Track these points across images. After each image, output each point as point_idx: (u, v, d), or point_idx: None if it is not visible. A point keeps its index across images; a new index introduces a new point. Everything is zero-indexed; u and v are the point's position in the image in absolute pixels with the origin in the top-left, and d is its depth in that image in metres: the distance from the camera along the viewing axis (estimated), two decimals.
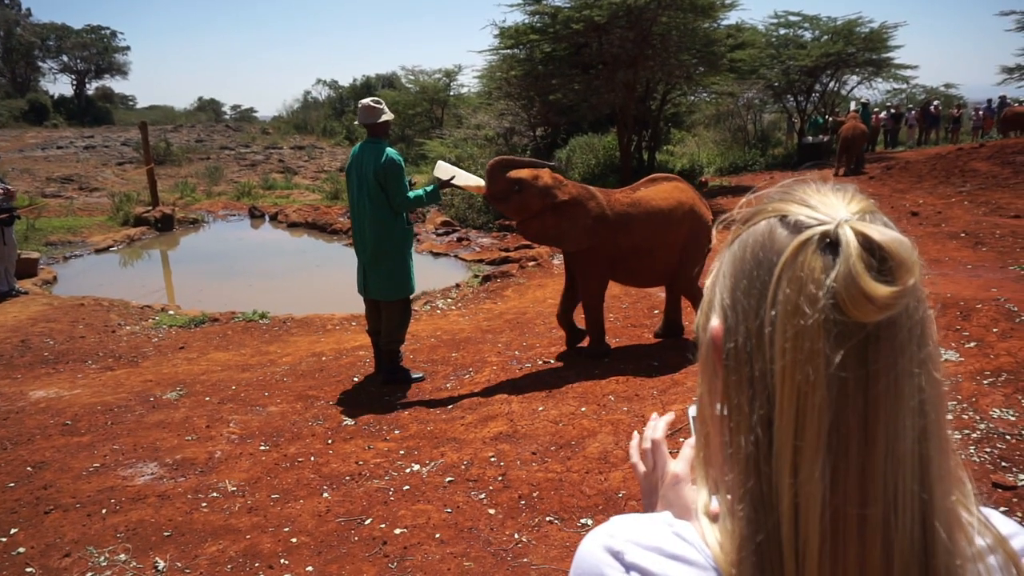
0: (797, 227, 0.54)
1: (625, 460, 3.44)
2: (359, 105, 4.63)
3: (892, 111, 22.38)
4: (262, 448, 3.84)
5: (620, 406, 4.10)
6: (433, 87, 24.75)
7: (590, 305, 4.91)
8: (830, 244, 0.52)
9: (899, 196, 11.61)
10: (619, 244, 4.76)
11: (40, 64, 48.57)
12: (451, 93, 25.27)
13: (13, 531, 3.03)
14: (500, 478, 3.36)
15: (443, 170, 4.74)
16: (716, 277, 0.59)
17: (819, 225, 0.53)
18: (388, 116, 4.65)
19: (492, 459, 3.56)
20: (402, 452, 3.73)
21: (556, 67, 12.88)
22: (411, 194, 4.54)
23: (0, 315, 6.84)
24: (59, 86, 77.41)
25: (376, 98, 4.64)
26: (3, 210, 7.53)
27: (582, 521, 2.97)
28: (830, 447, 0.50)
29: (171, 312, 7.10)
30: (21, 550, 2.89)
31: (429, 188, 4.64)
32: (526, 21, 12.92)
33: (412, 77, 26.13)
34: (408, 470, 3.52)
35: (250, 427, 4.12)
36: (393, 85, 32.67)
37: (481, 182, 4.63)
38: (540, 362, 5.03)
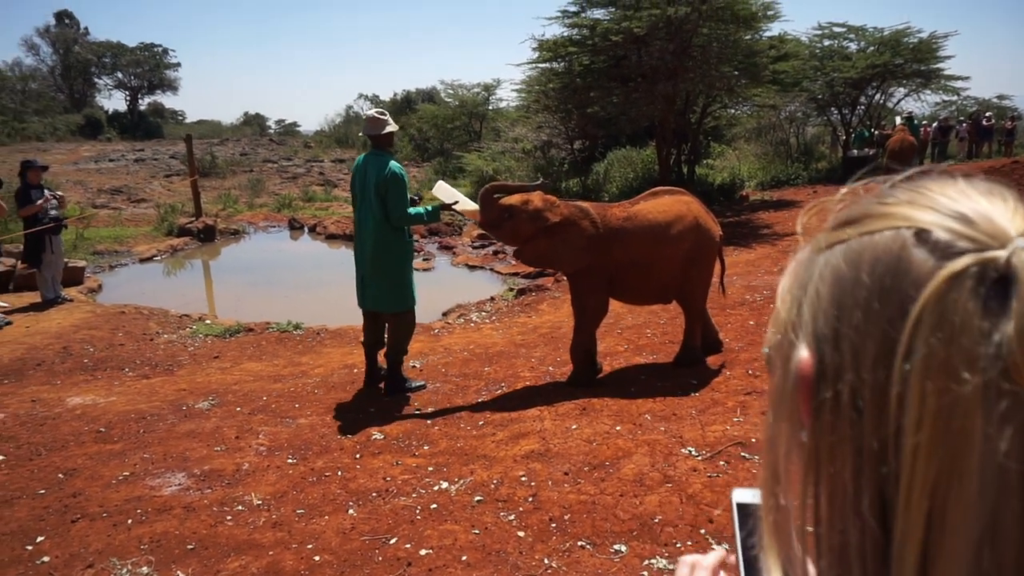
0: (944, 250, 0.38)
1: (662, 483, 3.29)
2: (364, 116, 4.63)
3: (941, 124, 21.70)
4: (289, 461, 3.79)
5: (657, 425, 3.95)
6: (472, 101, 24.89)
7: (581, 327, 4.66)
8: (998, 281, 0.37)
9: None
10: (616, 260, 4.55)
11: (96, 80, 50.51)
12: (490, 107, 25.37)
13: (40, 539, 3.02)
14: (531, 499, 3.24)
15: (443, 191, 4.74)
16: (804, 291, 0.44)
17: (978, 250, 0.38)
18: (392, 127, 4.64)
19: (523, 478, 3.44)
20: (431, 469, 3.63)
21: (595, 79, 12.78)
22: (411, 210, 4.51)
23: (45, 321, 6.98)
24: (113, 101, 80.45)
25: (381, 109, 4.64)
26: (51, 219, 7.71)
27: (615, 547, 2.83)
28: (979, 561, 0.36)
29: (207, 321, 7.17)
30: (46, 559, 2.87)
31: (430, 208, 4.62)
32: (565, 34, 12.87)
33: (451, 91, 26.31)
34: (436, 488, 3.42)
35: (279, 439, 4.08)
36: (433, 99, 32.98)
37: (477, 208, 4.56)
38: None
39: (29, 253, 7.71)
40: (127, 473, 3.65)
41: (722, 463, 3.46)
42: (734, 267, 8.41)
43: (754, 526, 0.53)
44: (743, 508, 0.59)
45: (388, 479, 3.54)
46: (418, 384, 4.90)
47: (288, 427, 4.27)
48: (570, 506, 3.14)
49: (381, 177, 4.44)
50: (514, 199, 4.49)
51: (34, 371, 5.61)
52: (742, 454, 3.53)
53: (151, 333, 6.72)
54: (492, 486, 3.39)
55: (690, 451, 3.60)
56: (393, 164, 4.51)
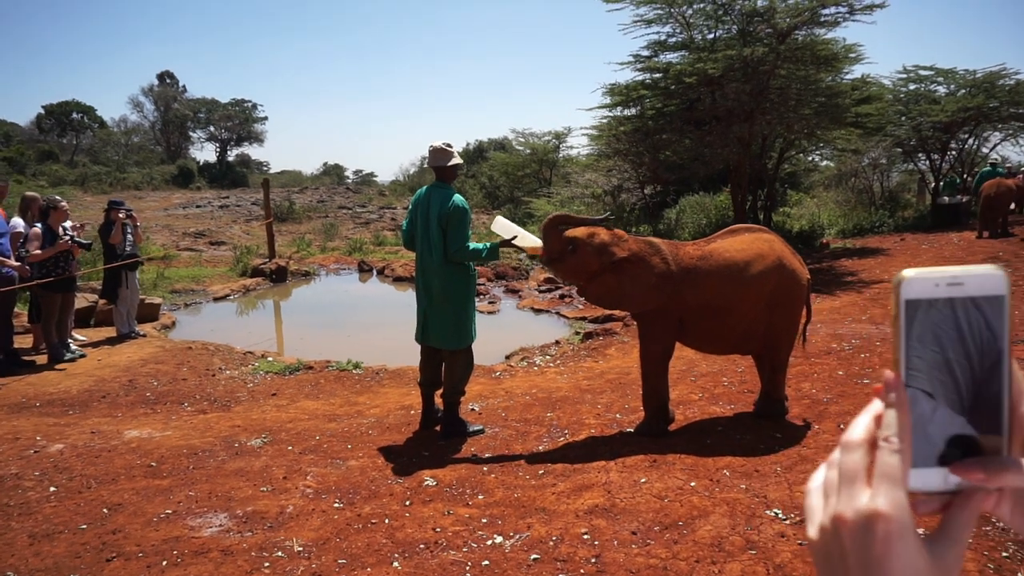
0: None
1: (744, 549, 2.87)
2: (429, 148, 4.48)
3: None
4: (336, 505, 3.55)
5: (737, 483, 3.52)
6: (542, 148, 25.07)
7: (649, 372, 4.28)
8: None
9: None
10: (687, 302, 4.15)
11: (191, 134, 54.01)
12: (560, 154, 25.49)
13: None
14: (593, 560, 2.88)
15: (502, 227, 4.48)
16: None
17: None
18: (457, 160, 4.48)
19: (585, 536, 3.09)
20: (484, 520, 3.32)
21: (667, 123, 12.54)
22: (471, 245, 4.29)
23: (116, 355, 7.11)
24: (204, 153, 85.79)
25: (447, 141, 4.47)
26: (128, 255, 7.95)
27: None
28: None
29: (269, 359, 7.14)
30: None
31: (491, 244, 4.38)
32: (637, 78, 12.75)
33: (522, 139, 26.63)
34: (489, 542, 3.11)
35: (327, 481, 3.86)
36: (504, 148, 33.47)
37: (539, 243, 4.28)
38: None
39: (106, 289, 7.95)
40: (170, 511, 3.50)
41: None
42: (818, 315, 7.83)
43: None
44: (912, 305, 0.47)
45: (438, 530, 3.25)
46: (476, 428, 4.63)
47: (338, 469, 4.06)
48: (638, 571, 2.76)
49: (444, 209, 4.28)
50: (579, 232, 4.22)
51: (99, 403, 5.65)
52: None
53: (214, 369, 6.73)
54: (551, 543, 3.05)
55: (776, 513, 3.17)
56: (457, 197, 4.35)
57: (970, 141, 18.45)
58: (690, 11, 11.89)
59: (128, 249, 8.01)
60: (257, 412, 5.36)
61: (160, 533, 3.26)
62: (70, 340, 7.31)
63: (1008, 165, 19.73)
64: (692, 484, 3.53)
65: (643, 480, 3.61)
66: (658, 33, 12.44)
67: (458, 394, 4.58)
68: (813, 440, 4.01)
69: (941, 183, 17.84)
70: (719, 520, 3.14)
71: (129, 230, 8.06)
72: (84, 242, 7.45)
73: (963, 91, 16.87)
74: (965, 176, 18.52)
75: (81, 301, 8.72)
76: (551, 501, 3.49)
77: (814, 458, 3.72)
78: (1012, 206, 15.20)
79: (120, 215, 7.88)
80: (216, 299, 11.32)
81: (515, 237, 4.36)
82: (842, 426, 4.18)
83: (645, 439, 4.25)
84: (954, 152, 18.37)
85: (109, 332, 8.16)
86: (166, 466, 4.15)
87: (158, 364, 6.78)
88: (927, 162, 18.51)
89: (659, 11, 11.98)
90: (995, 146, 19.28)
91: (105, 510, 3.54)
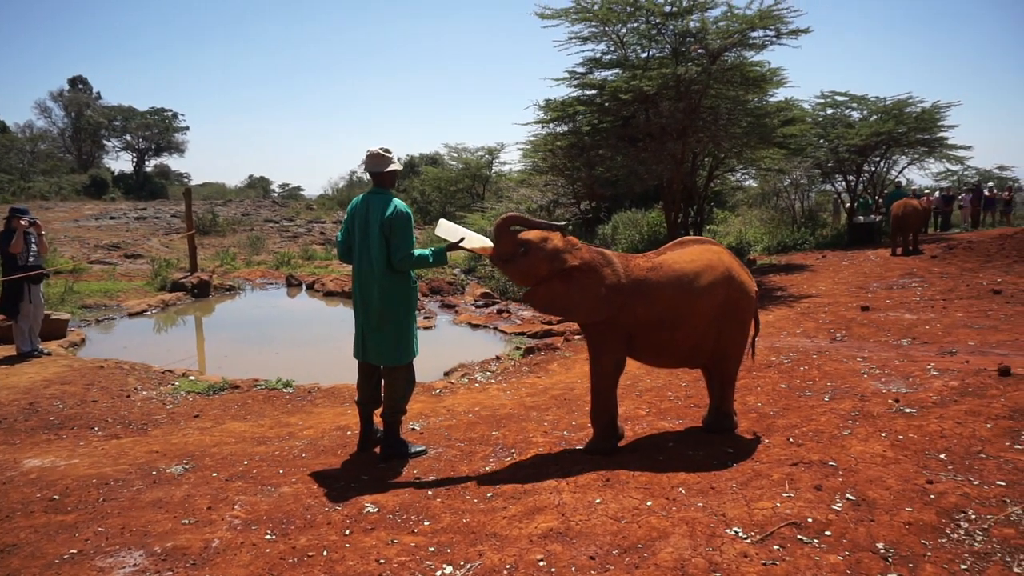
0: None
1: (708, 572, 2.75)
2: (367, 152, 4.25)
3: (943, 194, 21.69)
4: (267, 537, 3.24)
5: (694, 501, 3.42)
6: (476, 164, 25.02)
7: (600, 388, 4.16)
8: None
9: (971, 275, 10.82)
10: (638, 315, 4.06)
11: (105, 143, 51.28)
12: (493, 170, 25.49)
13: None
14: None
15: (446, 230, 4.28)
16: None
17: None
18: (396, 166, 4.27)
19: (541, 563, 2.90)
20: (432, 549, 3.09)
21: (602, 138, 12.66)
22: (416, 252, 4.09)
23: (15, 376, 6.48)
24: (120, 163, 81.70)
25: (385, 147, 4.26)
26: (32, 266, 7.31)
27: None
28: None
29: (191, 378, 6.66)
30: None
31: (437, 248, 4.18)
32: (573, 94, 12.82)
33: (455, 154, 26.52)
34: (438, 573, 2.88)
35: (257, 510, 3.53)
36: (436, 162, 33.27)
37: (488, 243, 4.13)
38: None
39: (6, 303, 7.27)
40: (75, 551, 3.10)
41: (776, 547, 2.92)
42: None
43: None
44: None
45: (382, 561, 2.99)
46: (418, 449, 4.38)
47: (269, 496, 3.73)
48: None
49: (387, 216, 4.04)
50: (532, 235, 4.07)
51: None
52: (799, 537, 2.99)
53: (128, 389, 6.21)
54: (504, 572, 2.85)
55: (736, 532, 3.07)
56: (399, 202, 4.13)
57: (881, 164, 19.49)
58: (624, 30, 12.07)
59: (31, 260, 7.36)
60: (178, 436, 4.93)
61: None
62: None
63: (914, 188, 20.96)
64: (648, 504, 3.41)
65: (598, 501, 3.46)
66: (593, 50, 12.60)
67: (399, 413, 4.33)
68: (765, 454, 3.96)
69: (856, 203, 18.75)
70: (679, 541, 3.02)
71: (33, 240, 7.42)
72: None
73: (875, 116, 17.83)
74: (877, 197, 19.52)
75: None
76: (502, 526, 3.29)
77: (768, 473, 3.67)
78: (925, 228, 16.14)
79: (22, 223, 7.24)
80: (132, 315, 10.61)
81: (462, 239, 4.17)
82: (791, 439, 4.16)
83: (597, 457, 4.11)
84: (867, 174, 19.36)
85: (8, 350, 7.47)
86: (71, 499, 3.72)
87: (64, 385, 6.21)
88: (843, 183, 19.44)
89: (594, 29, 12.12)
90: (902, 169, 20.48)
91: None
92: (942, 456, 3.72)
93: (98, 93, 52.87)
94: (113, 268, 15.08)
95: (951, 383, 4.83)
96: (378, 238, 4.05)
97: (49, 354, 7.45)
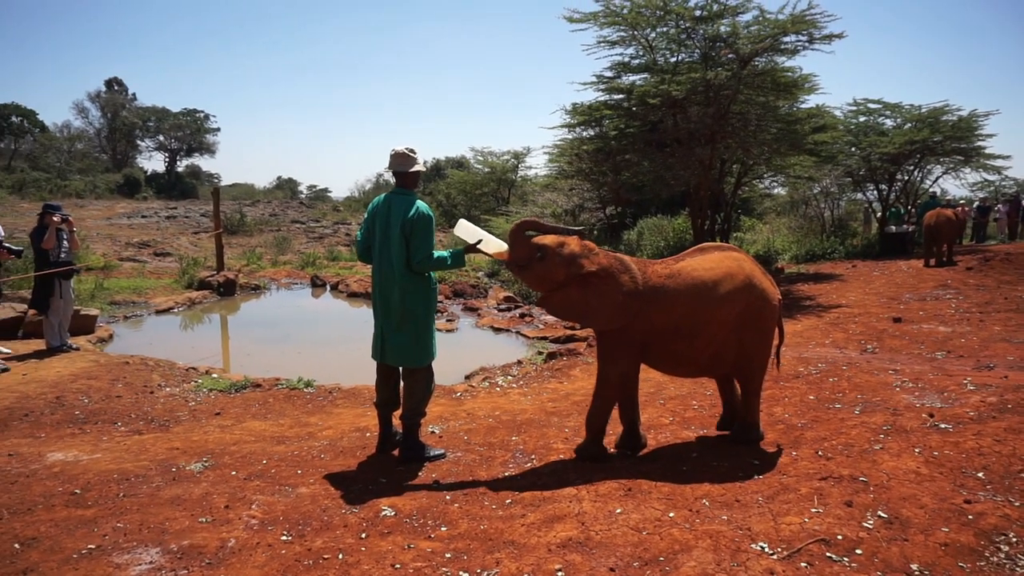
0: None
1: None
2: (392, 152, 4.22)
3: (980, 204, 21.16)
4: (283, 538, 3.21)
5: (718, 514, 3.32)
6: (501, 167, 25.01)
7: (602, 395, 4.07)
8: None
9: (1009, 287, 10.51)
10: (654, 323, 3.96)
11: (139, 143, 52.30)
12: (519, 174, 25.46)
13: None
14: None
15: (465, 230, 4.22)
16: None
17: None
18: (420, 167, 4.23)
19: (559, 573, 2.83)
20: (448, 556, 3.04)
21: (629, 143, 12.55)
22: (435, 253, 4.04)
23: (43, 370, 6.57)
24: (153, 163, 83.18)
25: (411, 147, 4.22)
26: (63, 262, 7.42)
27: None
28: None
29: (214, 375, 6.70)
30: None
31: (455, 251, 4.14)
32: (600, 98, 12.74)
33: (481, 158, 26.54)
34: None
35: (274, 511, 3.51)
36: (462, 166, 33.34)
37: (505, 247, 4.07)
38: (614, 451, 4.30)
39: (36, 298, 7.39)
40: (93, 546, 3.10)
41: (804, 565, 2.82)
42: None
43: None
44: None
45: (397, 566, 2.94)
46: (437, 452, 4.33)
47: (286, 497, 3.71)
48: None
49: (408, 217, 4.01)
50: (548, 239, 4.00)
51: (19, 422, 5.15)
52: (828, 554, 2.89)
53: (152, 386, 6.26)
54: None
55: (762, 547, 2.97)
56: (421, 204, 4.09)
57: (915, 173, 19.08)
58: (653, 34, 11.97)
59: (63, 256, 7.47)
60: (199, 433, 4.95)
61: (79, 572, 2.87)
62: None
63: (948, 198, 20.48)
64: (671, 515, 3.32)
65: (619, 510, 3.38)
66: (621, 55, 12.50)
67: (419, 416, 4.28)
68: (793, 468, 3.84)
69: (888, 213, 18.37)
70: (703, 555, 2.92)
71: (64, 236, 7.53)
72: (14, 248, 6.91)
73: (909, 125, 17.46)
74: (909, 207, 19.10)
75: (8, 311, 8.11)
76: (520, 533, 3.22)
77: (796, 487, 3.55)
78: (960, 239, 15.73)
79: (55, 219, 7.36)
80: (159, 312, 10.74)
81: (479, 241, 4.12)
82: (820, 453, 4.04)
83: (617, 465, 4.03)
84: (900, 183, 18.96)
85: (38, 345, 7.59)
86: (92, 494, 3.73)
87: (90, 380, 6.28)
88: (875, 192, 19.06)
89: (622, 33, 12.02)
90: (937, 179, 20.02)
91: (17, 545, 3.12)
92: (980, 475, 3.58)
93: (133, 94, 54.01)
94: (143, 266, 15.32)
95: (989, 398, 4.66)
96: (399, 239, 4.02)
97: (77, 349, 7.55)
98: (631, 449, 4.31)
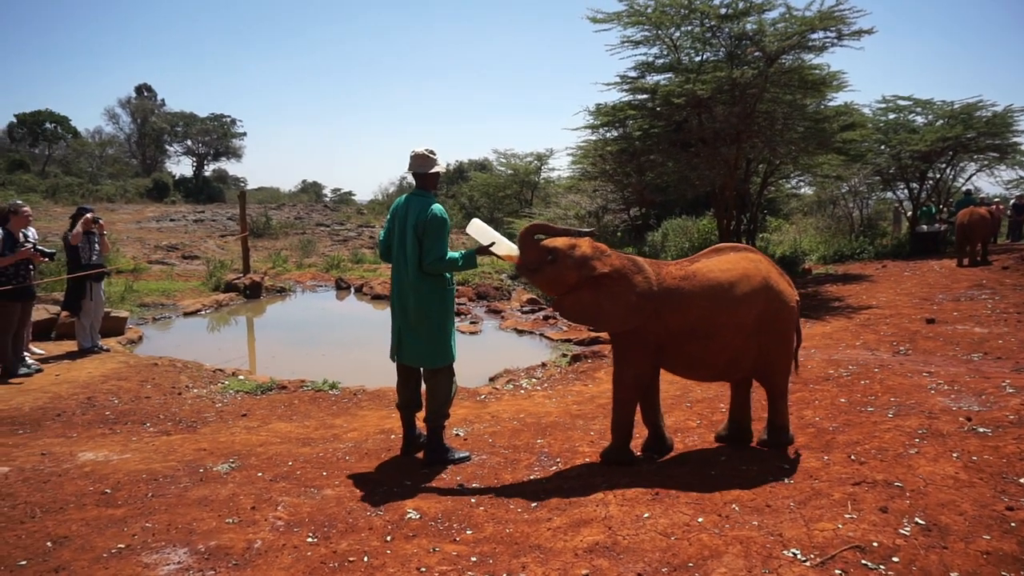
0: None
1: None
2: (411, 153, 4.21)
3: (1017, 202, 20.64)
4: (309, 540, 3.21)
5: (748, 519, 3.25)
6: (524, 170, 24.98)
7: (621, 398, 4.01)
8: None
9: None
10: (669, 325, 3.88)
11: (167, 147, 53.17)
12: (541, 176, 25.41)
13: None
14: None
15: (478, 230, 4.18)
16: None
17: None
18: (440, 168, 4.22)
19: None
20: (474, 559, 3.01)
21: (654, 144, 12.44)
22: (447, 255, 4.02)
23: (75, 371, 6.68)
24: (181, 167, 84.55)
25: (430, 148, 4.21)
26: (94, 264, 7.54)
27: None
28: None
29: (240, 377, 6.76)
30: None
31: (467, 252, 4.10)
32: (624, 99, 12.66)
33: (504, 160, 26.52)
34: None
35: (300, 512, 3.52)
36: (485, 168, 33.37)
37: (516, 250, 4.03)
38: (640, 455, 4.24)
39: (69, 300, 7.53)
40: (122, 546, 3.13)
41: (839, 572, 2.74)
42: (811, 340, 7.67)
43: None
44: None
45: (423, 570, 2.93)
46: (461, 455, 4.32)
47: (312, 498, 3.71)
48: None
49: (422, 217, 4.01)
50: (559, 242, 3.96)
51: (52, 422, 5.23)
52: (863, 562, 2.81)
53: (180, 387, 6.33)
54: None
55: (795, 554, 2.90)
56: (436, 205, 4.08)
57: (947, 171, 18.67)
58: (678, 33, 11.85)
59: (94, 259, 7.60)
60: (225, 434, 4.99)
61: (109, 571, 2.90)
62: (26, 354, 6.86)
63: (982, 196, 20.00)
64: (700, 520, 3.26)
65: (646, 515, 3.33)
66: (645, 54, 12.40)
67: (442, 418, 4.27)
68: (824, 472, 3.76)
69: (919, 212, 18.00)
70: (733, 561, 2.86)
71: (96, 239, 7.66)
72: (47, 251, 7.04)
73: (941, 121, 17.08)
74: (941, 206, 18.70)
75: (41, 313, 8.27)
76: (547, 538, 3.18)
77: (829, 492, 3.47)
78: (995, 238, 15.34)
79: (87, 216, 7.48)
80: (186, 314, 10.88)
81: (492, 244, 4.10)
82: (853, 457, 3.94)
83: (644, 469, 3.98)
84: (931, 181, 18.57)
85: (70, 346, 7.72)
86: (122, 493, 3.77)
87: (120, 381, 6.37)
88: (906, 190, 18.69)
89: (646, 32, 11.92)
90: (970, 176, 19.57)
91: (49, 543, 3.17)
92: (1022, 480, 3.46)
93: (162, 100, 54.90)
94: (171, 268, 15.55)
95: None
96: (413, 240, 4.03)
97: (108, 350, 7.67)
98: (657, 452, 4.26)
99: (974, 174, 19.25)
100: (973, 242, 13.21)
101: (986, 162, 18.39)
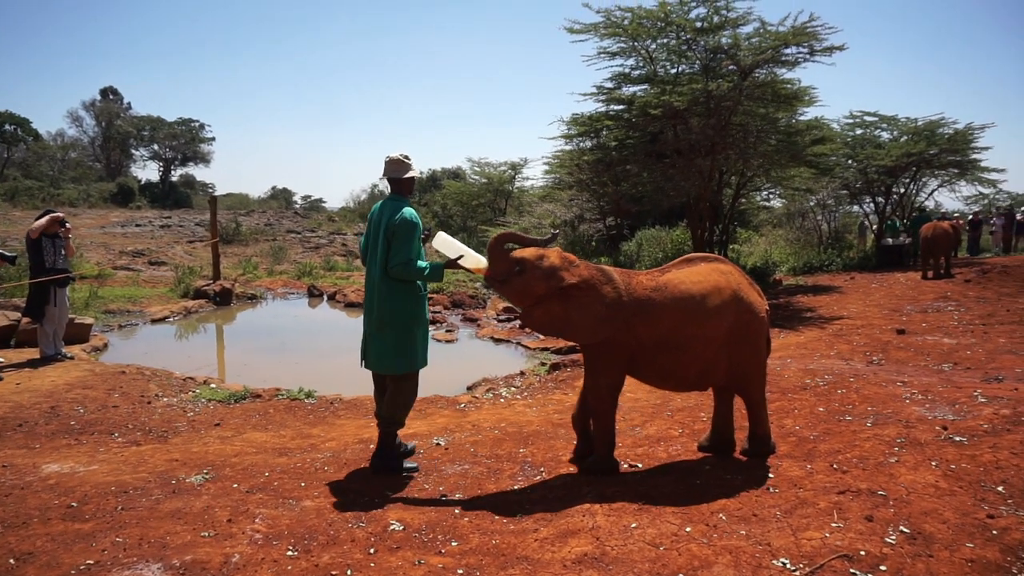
0: None
1: None
2: (386, 159, 4.16)
3: (973, 218, 21.26)
4: (289, 553, 3.11)
5: (736, 528, 3.24)
6: (498, 178, 24.98)
7: (599, 410, 3.99)
8: None
9: (1010, 299, 10.50)
10: (639, 336, 3.87)
11: (133, 152, 52.09)
12: (515, 185, 25.43)
13: None
14: None
15: (444, 244, 4.13)
16: None
17: None
18: (415, 173, 4.18)
19: None
20: (460, 572, 2.94)
21: (630, 154, 12.53)
22: (416, 263, 3.93)
23: (38, 379, 6.44)
24: (147, 172, 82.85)
25: (405, 153, 4.17)
26: (58, 270, 7.30)
27: None
28: None
29: (212, 386, 6.58)
30: None
31: (435, 264, 4.01)
32: (600, 109, 12.73)
33: (478, 169, 26.50)
34: None
35: (279, 524, 3.41)
36: (459, 176, 33.32)
37: (484, 261, 3.99)
38: (625, 465, 4.22)
39: (31, 305, 7.27)
40: (91, 562, 2.99)
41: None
42: (784, 349, 7.76)
43: None
44: None
45: None
46: (410, 467, 4.19)
47: (291, 510, 3.61)
48: None
49: (392, 221, 3.95)
50: (527, 252, 3.91)
51: (13, 432, 5.02)
52: (852, 570, 2.81)
53: (150, 395, 6.14)
54: None
55: (784, 564, 2.89)
56: (407, 209, 4.01)
57: (911, 186, 19.14)
58: (654, 45, 11.98)
59: (59, 263, 7.36)
60: (198, 444, 4.84)
61: None
62: None
63: (943, 210, 20.56)
64: (687, 530, 3.23)
65: (634, 525, 3.30)
66: (622, 66, 12.50)
67: (396, 425, 4.16)
68: (808, 481, 3.77)
69: (884, 225, 18.41)
70: (723, 571, 2.84)
71: (61, 243, 7.42)
72: (8, 254, 6.80)
73: (905, 137, 17.53)
74: (905, 220, 19.17)
75: (1, 319, 7.98)
76: (534, 549, 3.13)
77: (814, 501, 3.48)
78: (956, 252, 15.76)
79: (53, 214, 7.25)
80: (154, 321, 10.61)
81: (460, 257, 4.04)
82: (835, 466, 3.96)
83: (629, 478, 3.95)
84: (896, 196, 19.02)
85: (32, 353, 7.45)
86: (89, 507, 3.62)
87: (86, 389, 6.16)
88: (872, 204, 19.11)
89: (623, 44, 12.03)
90: (932, 192, 20.09)
91: (12, 560, 3.01)
92: (1000, 489, 3.51)
93: (128, 103, 53.81)
94: (137, 274, 15.17)
95: (1002, 411, 4.60)
96: (383, 243, 3.97)
97: (72, 358, 7.42)
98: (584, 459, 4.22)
99: (935, 190, 19.79)
100: (936, 255, 13.54)
101: (947, 178, 18.92)
